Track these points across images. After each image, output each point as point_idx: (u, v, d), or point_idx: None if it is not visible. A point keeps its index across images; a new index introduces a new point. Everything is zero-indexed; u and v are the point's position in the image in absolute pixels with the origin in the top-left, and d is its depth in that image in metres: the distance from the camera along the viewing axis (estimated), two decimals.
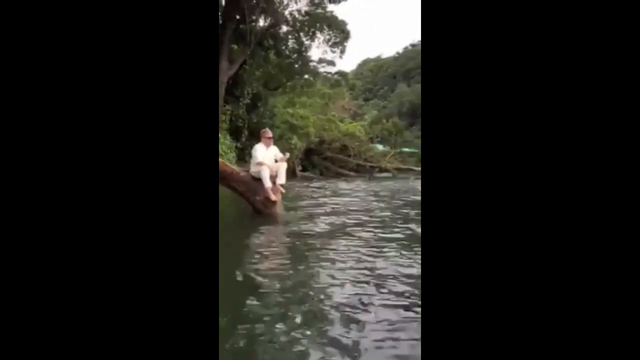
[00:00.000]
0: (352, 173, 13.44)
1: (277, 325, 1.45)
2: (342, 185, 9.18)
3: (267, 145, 4.18)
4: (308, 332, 1.41)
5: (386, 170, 14.33)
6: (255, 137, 11.65)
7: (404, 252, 2.55)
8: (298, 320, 1.51)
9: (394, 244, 2.79)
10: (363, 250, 2.60)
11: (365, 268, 2.21)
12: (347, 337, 1.37)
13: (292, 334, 1.39)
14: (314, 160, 13.47)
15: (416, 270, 2.15)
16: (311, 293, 1.82)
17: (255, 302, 1.69)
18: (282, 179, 4.02)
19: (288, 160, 4.39)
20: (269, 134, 4.27)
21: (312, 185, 8.89)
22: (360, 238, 2.97)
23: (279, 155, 4.20)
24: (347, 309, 1.61)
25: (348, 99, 21.33)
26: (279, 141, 10.77)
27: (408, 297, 1.79)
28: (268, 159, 4.06)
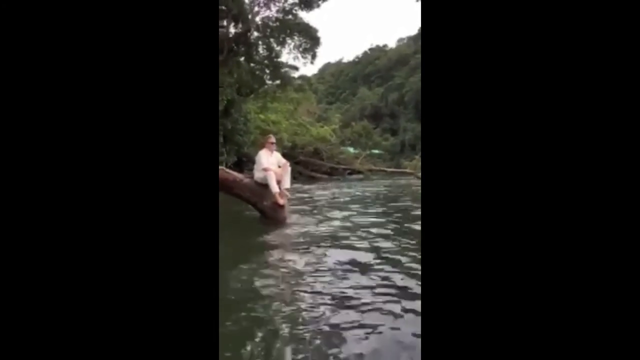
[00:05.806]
0: (325, 176, 13.66)
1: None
2: (332, 187, 9.33)
3: (271, 151, 4.27)
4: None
5: (359, 172, 14.71)
6: (229, 143, 11.62)
7: None
8: None
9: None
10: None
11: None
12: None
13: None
14: None
15: None
16: None
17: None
18: (287, 184, 4.12)
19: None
20: (272, 139, 4.36)
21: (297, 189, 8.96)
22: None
23: (282, 160, 4.30)
24: None
25: (314, 103, 21.65)
26: (252, 147, 10.76)
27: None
28: (272, 165, 4.15)
